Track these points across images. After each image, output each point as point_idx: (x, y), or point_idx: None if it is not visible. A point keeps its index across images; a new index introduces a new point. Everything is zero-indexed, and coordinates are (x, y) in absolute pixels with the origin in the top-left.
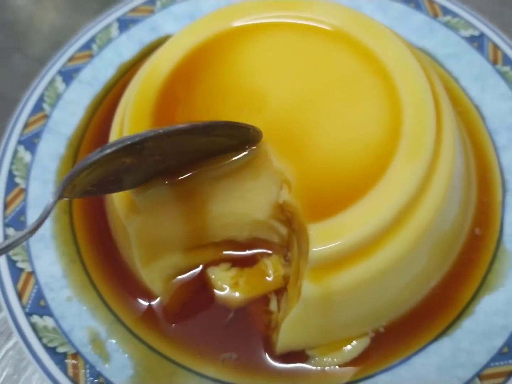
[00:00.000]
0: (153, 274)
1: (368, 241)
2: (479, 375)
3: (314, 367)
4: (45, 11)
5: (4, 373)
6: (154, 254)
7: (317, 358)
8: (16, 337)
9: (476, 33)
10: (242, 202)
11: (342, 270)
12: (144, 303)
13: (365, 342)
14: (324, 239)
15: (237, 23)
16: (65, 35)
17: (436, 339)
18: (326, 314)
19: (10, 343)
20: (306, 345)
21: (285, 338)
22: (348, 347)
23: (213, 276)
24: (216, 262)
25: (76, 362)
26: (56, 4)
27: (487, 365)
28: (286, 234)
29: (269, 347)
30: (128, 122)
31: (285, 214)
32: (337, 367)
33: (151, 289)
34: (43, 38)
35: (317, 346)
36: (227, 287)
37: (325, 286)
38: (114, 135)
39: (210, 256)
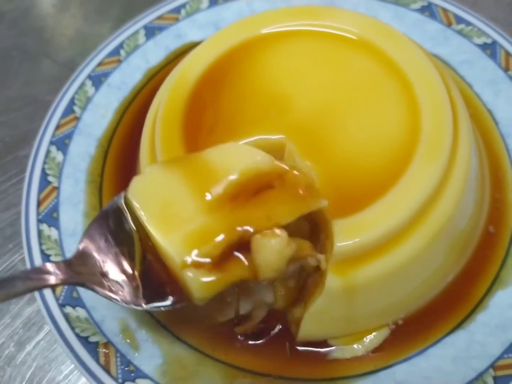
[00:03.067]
0: None
1: (389, 237)
2: (493, 366)
3: (334, 357)
4: (71, 18)
5: (35, 363)
6: None
7: (338, 348)
8: (47, 328)
9: (488, 40)
10: None
11: (365, 264)
12: None
13: (385, 333)
14: (348, 234)
15: (262, 31)
16: (90, 41)
17: (452, 331)
18: (349, 306)
19: (41, 335)
20: (328, 335)
21: (307, 328)
22: (369, 337)
23: None
24: None
25: (108, 351)
26: (81, 11)
27: (500, 357)
28: (308, 229)
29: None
30: (160, 127)
31: None
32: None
33: None
34: (70, 43)
35: (339, 337)
36: None
37: (349, 279)
38: (145, 139)
39: None
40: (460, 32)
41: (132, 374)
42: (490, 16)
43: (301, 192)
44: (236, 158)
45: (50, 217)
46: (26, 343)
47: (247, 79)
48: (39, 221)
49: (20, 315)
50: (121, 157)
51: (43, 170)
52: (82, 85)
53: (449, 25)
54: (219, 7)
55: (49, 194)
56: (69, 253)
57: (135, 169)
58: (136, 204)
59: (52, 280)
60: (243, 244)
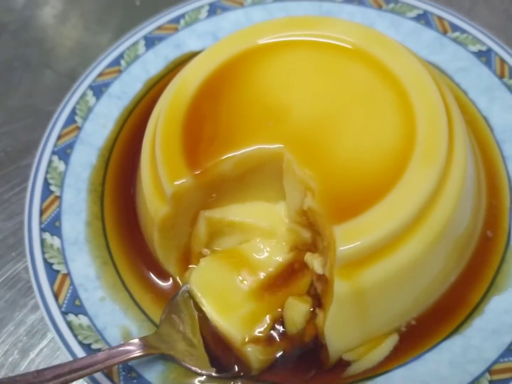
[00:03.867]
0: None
1: (390, 239)
2: (489, 370)
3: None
4: (72, 29)
5: None
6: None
7: (354, 363)
8: (50, 336)
9: (483, 48)
10: None
11: (369, 266)
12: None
13: (394, 339)
14: (349, 238)
15: (259, 42)
16: (91, 51)
17: (448, 336)
18: (360, 310)
19: (44, 342)
20: (351, 345)
21: (332, 343)
22: (381, 346)
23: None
24: None
25: None
26: (81, 22)
27: (496, 361)
28: (310, 237)
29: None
30: (160, 138)
31: (307, 219)
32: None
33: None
34: (71, 54)
35: (354, 347)
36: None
37: (355, 282)
38: (146, 148)
39: None
40: (455, 40)
41: (134, 381)
42: (485, 24)
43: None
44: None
45: (53, 226)
46: (30, 350)
47: (245, 89)
48: (42, 230)
49: (23, 323)
50: (121, 166)
51: (45, 179)
52: (83, 95)
53: (444, 33)
54: (217, 17)
55: (52, 203)
56: (72, 262)
57: (136, 178)
58: (197, 294)
59: (141, 352)
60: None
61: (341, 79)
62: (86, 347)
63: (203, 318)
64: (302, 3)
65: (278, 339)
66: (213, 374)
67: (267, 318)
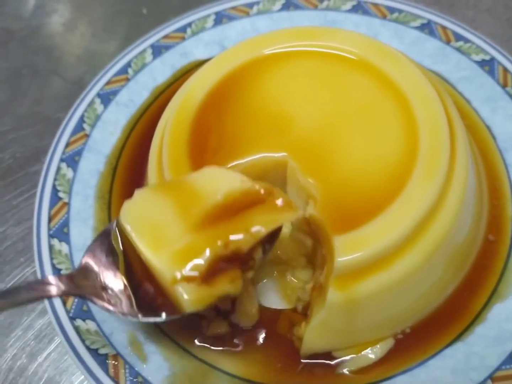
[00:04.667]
0: None
1: (388, 252)
2: (491, 377)
3: (337, 369)
4: (80, 37)
5: (46, 375)
6: None
7: (342, 360)
8: (58, 340)
9: (487, 57)
10: None
11: (365, 278)
12: None
13: (388, 345)
14: (348, 249)
15: (265, 52)
16: (99, 59)
17: (451, 343)
18: (350, 319)
19: (52, 346)
20: (331, 348)
21: (309, 342)
22: (372, 349)
23: None
24: None
25: (117, 362)
26: (89, 30)
27: (498, 368)
28: (311, 245)
29: (294, 350)
30: (167, 147)
31: (310, 227)
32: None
33: None
34: (79, 61)
35: (342, 349)
36: None
37: (349, 293)
38: (153, 156)
39: None
40: (459, 49)
41: None
42: (488, 33)
43: (278, 204)
44: (217, 182)
45: (61, 232)
46: (38, 355)
47: (250, 99)
48: (50, 236)
49: (31, 328)
50: (129, 174)
51: (54, 186)
52: (91, 103)
53: (448, 42)
54: (223, 26)
55: (60, 209)
56: None
57: (142, 185)
58: (127, 227)
59: (53, 291)
60: (229, 260)
61: (345, 89)
62: (94, 352)
63: (132, 256)
64: (307, 12)
65: (219, 279)
66: (140, 318)
67: (207, 252)
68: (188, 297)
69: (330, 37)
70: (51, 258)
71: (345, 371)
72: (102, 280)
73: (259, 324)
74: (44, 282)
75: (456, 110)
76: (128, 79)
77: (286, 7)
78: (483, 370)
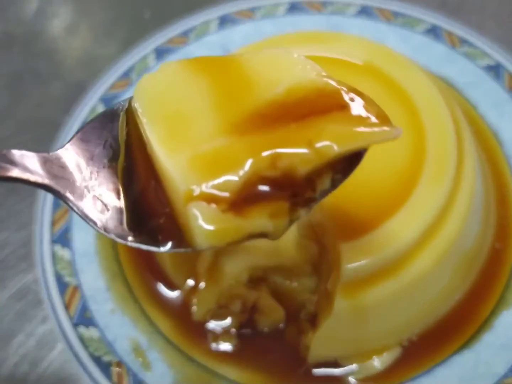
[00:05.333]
0: None
1: (395, 259)
2: None
3: (343, 377)
4: (81, 41)
5: (49, 382)
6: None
7: (348, 368)
8: (60, 347)
9: (493, 62)
10: None
11: (372, 285)
12: (182, 315)
13: (395, 353)
14: (356, 256)
15: None
16: (101, 63)
17: (458, 351)
18: (357, 327)
19: (55, 353)
20: (337, 356)
21: (316, 350)
22: (379, 357)
23: None
24: None
25: (120, 370)
26: (91, 34)
27: (505, 375)
28: (317, 252)
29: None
30: None
31: (316, 233)
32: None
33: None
34: (81, 65)
35: (348, 357)
36: None
37: (357, 301)
38: None
39: None
40: (465, 54)
41: None
42: (494, 38)
43: (364, 116)
44: (285, 68)
45: (64, 238)
46: (40, 362)
47: None
48: (53, 241)
49: (33, 334)
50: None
51: None
52: (94, 107)
53: (454, 47)
54: (227, 30)
55: (62, 215)
56: (82, 273)
57: None
58: (139, 107)
59: (14, 172)
60: (276, 184)
61: None
62: (97, 359)
63: (138, 153)
64: (312, 16)
65: (255, 209)
66: (129, 240)
67: (244, 165)
68: (205, 225)
69: (336, 42)
70: (54, 264)
71: (352, 379)
72: (88, 175)
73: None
74: (5, 158)
75: (463, 115)
76: (131, 84)
77: (290, 11)
78: (490, 377)
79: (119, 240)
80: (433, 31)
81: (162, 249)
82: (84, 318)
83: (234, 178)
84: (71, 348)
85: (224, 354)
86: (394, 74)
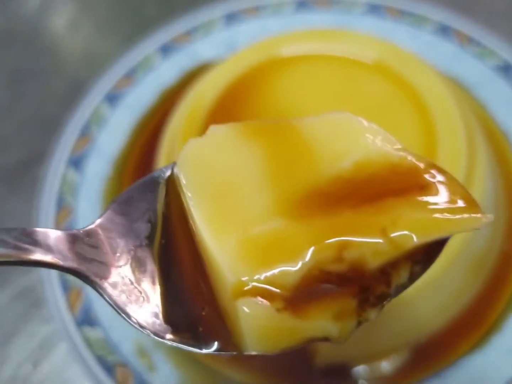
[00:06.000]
0: None
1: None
2: None
3: (352, 380)
4: (83, 38)
5: (52, 383)
6: None
7: (357, 371)
8: (64, 347)
9: (502, 61)
10: None
11: None
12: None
13: (404, 355)
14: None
15: (276, 55)
16: (103, 60)
17: (467, 354)
18: (365, 329)
19: (58, 353)
20: (346, 358)
21: (324, 352)
22: (388, 360)
23: None
24: None
25: (124, 371)
26: (93, 31)
27: None
28: None
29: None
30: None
31: None
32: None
33: None
34: (83, 63)
35: (357, 359)
36: None
37: None
38: (162, 159)
39: None
40: (473, 53)
41: None
42: (503, 36)
43: (447, 198)
44: (352, 138)
45: None
46: (43, 362)
47: (262, 102)
48: None
49: (37, 334)
50: (136, 178)
51: (58, 191)
52: (97, 105)
53: (462, 46)
54: (233, 27)
55: (65, 215)
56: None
57: None
58: (183, 178)
59: (36, 255)
60: (342, 279)
61: (361, 94)
62: (101, 359)
63: (177, 227)
64: (319, 14)
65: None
66: (166, 338)
67: (304, 255)
68: (256, 325)
69: (345, 40)
70: None
71: (360, 382)
72: (124, 257)
73: None
74: (29, 237)
75: (474, 115)
76: (135, 81)
77: (297, 8)
78: (499, 380)
79: (155, 338)
80: (442, 30)
81: (204, 350)
82: (88, 318)
83: (292, 270)
84: (75, 348)
85: (229, 356)
86: (405, 72)
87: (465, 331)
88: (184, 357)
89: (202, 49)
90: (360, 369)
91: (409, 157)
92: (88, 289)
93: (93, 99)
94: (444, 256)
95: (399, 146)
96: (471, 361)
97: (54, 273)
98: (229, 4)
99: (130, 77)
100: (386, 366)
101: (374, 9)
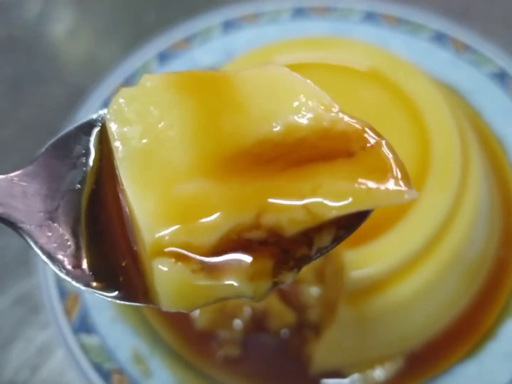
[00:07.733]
0: None
1: (401, 267)
2: None
3: None
4: (83, 44)
5: None
6: None
7: (352, 378)
8: (61, 353)
9: (498, 69)
10: None
11: (377, 293)
12: (184, 323)
13: (398, 362)
14: (360, 264)
15: (273, 63)
16: (103, 66)
17: (462, 360)
18: (361, 336)
19: (55, 359)
20: (341, 365)
21: (319, 359)
22: (383, 367)
23: None
24: None
25: (121, 377)
26: (93, 38)
27: None
28: (321, 260)
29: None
30: None
31: None
32: None
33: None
34: (83, 69)
35: (352, 366)
36: None
37: (361, 309)
38: None
39: None
40: (469, 61)
41: None
42: (500, 44)
43: (379, 172)
44: (286, 96)
45: None
46: (40, 368)
47: None
48: None
49: (34, 340)
50: None
51: None
52: (97, 111)
53: (459, 53)
54: (231, 34)
55: None
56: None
57: None
58: (111, 129)
59: None
60: (259, 241)
61: (356, 101)
62: (97, 366)
63: (107, 177)
64: (316, 22)
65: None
66: (87, 286)
67: (223, 216)
68: (170, 286)
69: (341, 47)
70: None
71: None
72: (49, 205)
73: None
74: None
75: (468, 122)
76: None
77: (294, 16)
78: None
79: (75, 283)
80: (438, 37)
81: (119, 299)
82: (85, 325)
83: (208, 233)
84: (72, 355)
85: (226, 363)
86: (399, 80)
87: (460, 338)
88: (180, 363)
89: (200, 56)
90: (355, 377)
91: (345, 119)
92: (85, 295)
93: (92, 105)
94: (438, 262)
95: (336, 109)
96: (466, 367)
97: (51, 278)
98: (227, 11)
99: (129, 83)
100: (380, 373)
101: (371, 17)
